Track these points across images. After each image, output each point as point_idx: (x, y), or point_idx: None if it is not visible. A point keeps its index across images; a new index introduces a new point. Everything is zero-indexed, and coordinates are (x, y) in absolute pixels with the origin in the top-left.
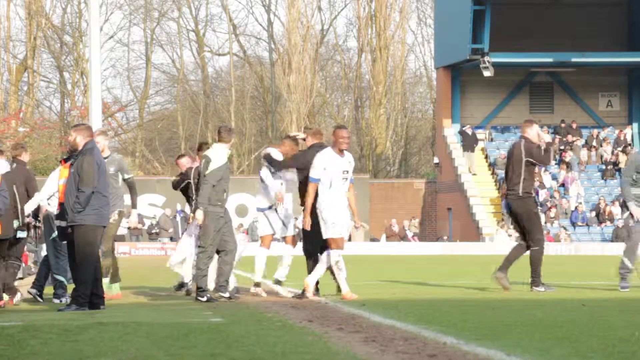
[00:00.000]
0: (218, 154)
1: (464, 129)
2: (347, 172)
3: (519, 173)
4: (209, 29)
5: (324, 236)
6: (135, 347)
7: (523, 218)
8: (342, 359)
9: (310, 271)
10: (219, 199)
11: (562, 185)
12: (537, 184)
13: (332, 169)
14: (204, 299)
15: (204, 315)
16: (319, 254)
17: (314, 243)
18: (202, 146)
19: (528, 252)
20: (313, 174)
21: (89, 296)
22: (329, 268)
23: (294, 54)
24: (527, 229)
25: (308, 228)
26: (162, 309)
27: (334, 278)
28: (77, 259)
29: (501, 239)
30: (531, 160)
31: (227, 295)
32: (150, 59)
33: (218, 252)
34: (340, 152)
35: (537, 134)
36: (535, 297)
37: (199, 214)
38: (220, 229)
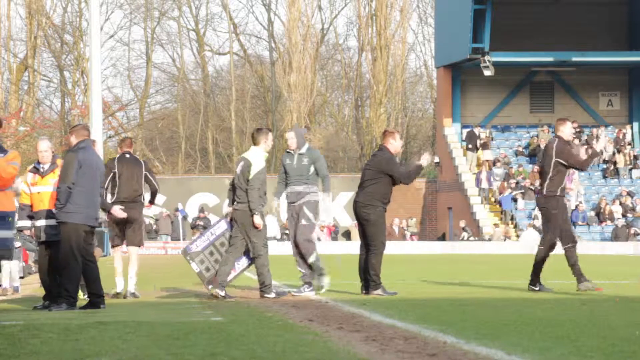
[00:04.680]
0: (257, 157)
1: (472, 129)
2: None
3: (548, 172)
4: (209, 28)
5: None
6: (136, 346)
7: (542, 217)
8: (343, 358)
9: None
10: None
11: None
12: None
13: None
14: (272, 295)
15: (205, 315)
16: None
17: None
18: None
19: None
20: None
21: (89, 295)
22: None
23: (294, 53)
24: (543, 229)
25: None
26: (162, 308)
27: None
28: (61, 257)
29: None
30: (561, 161)
31: (222, 293)
32: (150, 58)
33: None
34: None
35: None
36: (535, 296)
37: (257, 219)
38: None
